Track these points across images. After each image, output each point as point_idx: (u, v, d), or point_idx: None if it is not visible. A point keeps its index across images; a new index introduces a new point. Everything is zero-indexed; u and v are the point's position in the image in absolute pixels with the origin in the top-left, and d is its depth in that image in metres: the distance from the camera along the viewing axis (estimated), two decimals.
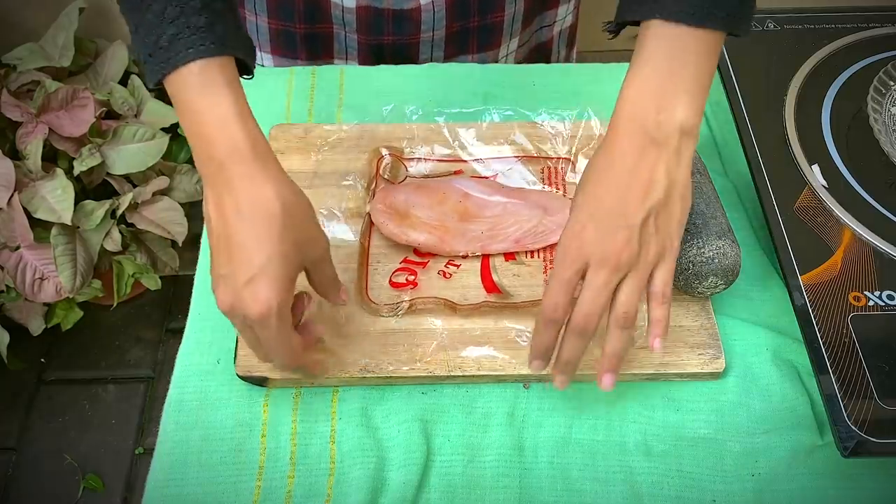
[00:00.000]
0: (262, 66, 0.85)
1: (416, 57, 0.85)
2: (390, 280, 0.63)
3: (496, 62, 0.88)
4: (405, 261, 0.64)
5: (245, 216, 0.48)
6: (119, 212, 1.28)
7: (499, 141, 0.72)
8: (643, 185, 0.48)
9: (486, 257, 0.65)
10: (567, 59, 0.94)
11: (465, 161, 0.71)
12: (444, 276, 0.63)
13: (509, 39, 0.87)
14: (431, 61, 0.85)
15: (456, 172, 0.70)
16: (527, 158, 0.71)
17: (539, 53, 0.92)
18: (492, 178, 0.69)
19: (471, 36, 0.84)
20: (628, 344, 0.51)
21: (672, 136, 0.48)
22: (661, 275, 0.50)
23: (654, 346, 0.51)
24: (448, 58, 0.85)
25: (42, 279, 1.24)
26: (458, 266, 0.64)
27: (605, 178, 0.49)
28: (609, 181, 0.49)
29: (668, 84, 0.48)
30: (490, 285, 0.63)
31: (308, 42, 0.83)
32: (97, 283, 1.30)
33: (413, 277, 0.63)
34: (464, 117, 0.75)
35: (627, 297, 0.49)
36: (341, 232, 0.65)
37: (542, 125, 0.73)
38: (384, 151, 0.71)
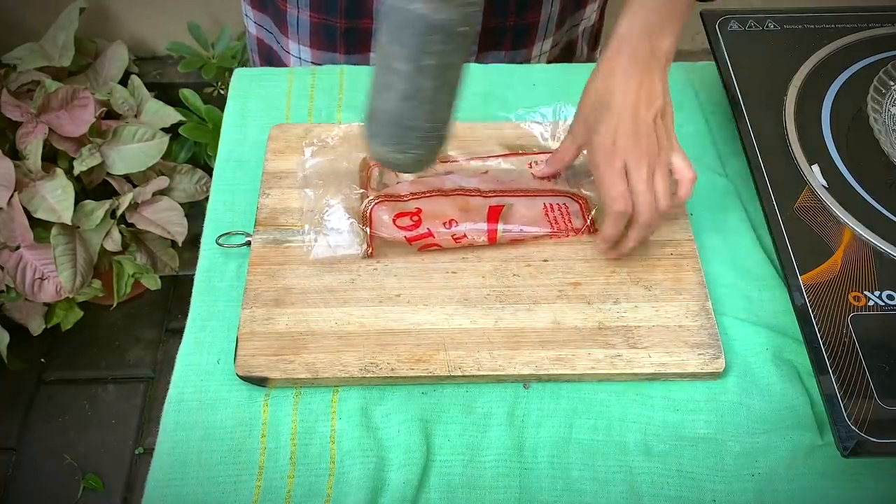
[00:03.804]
0: (300, 58, 0.86)
1: None
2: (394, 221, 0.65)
3: (528, 61, 0.88)
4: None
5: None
6: (119, 212, 1.28)
7: (487, 141, 0.71)
8: (648, 96, 0.61)
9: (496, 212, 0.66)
10: (589, 60, 0.95)
11: (457, 161, 0.70)
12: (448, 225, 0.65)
13: (543, 40, 0.87)
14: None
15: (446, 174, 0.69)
16: (514, 155, 0.70)
17: (566, 52, 0.92)
18: (484, 174, 0.69)
19: (506, 34, 0.85)
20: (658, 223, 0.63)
21: (661, 59, 0.61)
22: (677, 160, 0.63)
23: (684, 196, 0.63)
24: (481, 53, 0.85)
25: (42, 279, 1.24)
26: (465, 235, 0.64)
27: (617, 95, 0.61)
28: (622, 96, 0.61)
29: (654, 19, 0.60)
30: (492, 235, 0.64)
31: (347, 37, 0.83)
32: (97, 283, 1.30)
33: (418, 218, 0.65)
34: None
35: (662, 186, 0.61)
36: (343, 233, 0.65)
37: (531, 125, 0.73)
38: (372, 161, 0.69)
